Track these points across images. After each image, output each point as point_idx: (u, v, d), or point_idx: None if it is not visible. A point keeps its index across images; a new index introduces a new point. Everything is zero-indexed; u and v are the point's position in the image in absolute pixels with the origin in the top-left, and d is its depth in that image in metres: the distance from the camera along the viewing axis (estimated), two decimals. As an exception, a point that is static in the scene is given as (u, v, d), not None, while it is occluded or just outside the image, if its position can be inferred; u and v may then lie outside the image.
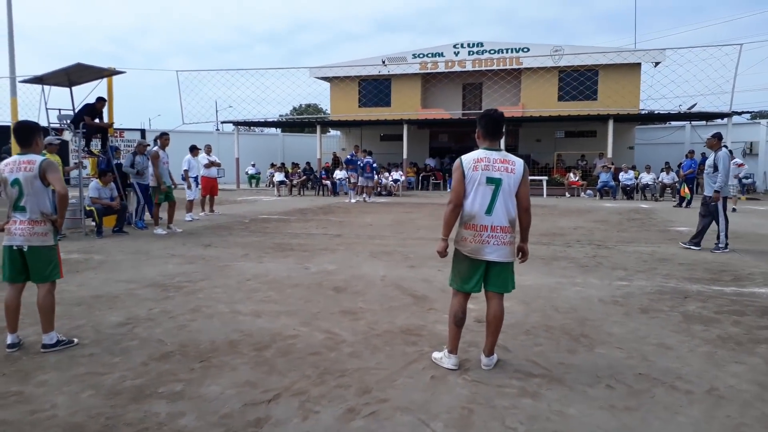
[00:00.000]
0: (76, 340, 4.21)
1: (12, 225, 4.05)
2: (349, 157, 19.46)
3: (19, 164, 4.04)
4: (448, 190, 24.56)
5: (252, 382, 3.49)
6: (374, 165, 19.71)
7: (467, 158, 3.61)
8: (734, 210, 15.13)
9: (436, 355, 3.89)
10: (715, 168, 8.18)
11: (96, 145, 11.99)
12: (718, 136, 8.43)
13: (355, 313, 5.01)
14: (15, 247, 4.03)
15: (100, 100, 11.16)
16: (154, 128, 31.74)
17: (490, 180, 3.53)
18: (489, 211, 3.56)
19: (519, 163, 3.62)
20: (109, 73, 11.69)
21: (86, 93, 12.00)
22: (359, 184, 19.10)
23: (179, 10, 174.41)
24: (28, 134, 4.13)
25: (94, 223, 9.92)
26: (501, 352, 4.03)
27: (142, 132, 22.02)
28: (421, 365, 3.77)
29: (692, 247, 8.37)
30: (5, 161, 4.15)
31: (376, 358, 3.92)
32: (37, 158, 4.07)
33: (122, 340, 4.28)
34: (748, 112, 24.71)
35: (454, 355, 3.75)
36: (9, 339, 4.06)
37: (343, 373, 3.64)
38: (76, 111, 11.04)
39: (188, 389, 3.37)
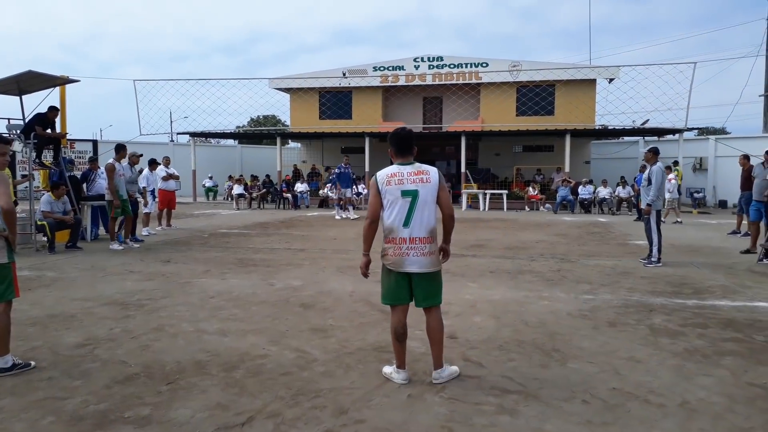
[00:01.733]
0: (33, 363, 3.99)
1: None
2: (338, 171, 17.42)
3: None
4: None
5: (223, 404, 3.36)
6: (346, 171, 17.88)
7: (381, 174, 3.69)
8: (680, 222, 15.62)
9: (386, 369, 3.87)
10: (650, 182, 8.40)
11: (47, 156, 11.55)
12: (654, 151, 8.66)
13: (325, 331, 4.92)
14: None
15: (53, 110, 10.76)
16: (106, 139, 30.90)
17: (405, 193, 3.61)
18: (406, 223, 3.63)
19: (433, 171, 3.69)
20: (61, 81, 11.32)
21: (37, 102, 11.58)
22: (347, 196, 17.47)
23: (133, 18, 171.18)
24: None
25: (45, 239, 9.52)
26: (475, 368, 4.01)
27: (94, 143, 21.23)
28: (397, 384, 3.70)
29: (656, 264, 8.41)
30: None
31: (349, 377, 3.84)
32: None
33: (82, 362, 4.07)
34: (696, 129, 25.69)
35: (402, 370, 3.76)
36: None
37: (317, 393, 3.54)
38: (27, 120, 10.61)
39: (156, 413, 3.22)
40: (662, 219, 8.69)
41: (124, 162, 10.58)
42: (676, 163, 21.49)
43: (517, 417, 3.23)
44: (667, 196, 15.58)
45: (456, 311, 5.58)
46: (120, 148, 10.43)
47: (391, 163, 3.80)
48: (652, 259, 8.36)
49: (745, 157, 12.75)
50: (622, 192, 20.56)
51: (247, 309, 5.66)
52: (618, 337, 4.75)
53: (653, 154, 8.57)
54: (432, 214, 3.67)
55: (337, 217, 16.96)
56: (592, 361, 4.16)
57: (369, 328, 4.99)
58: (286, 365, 4.05)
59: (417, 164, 3.71)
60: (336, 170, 17.72)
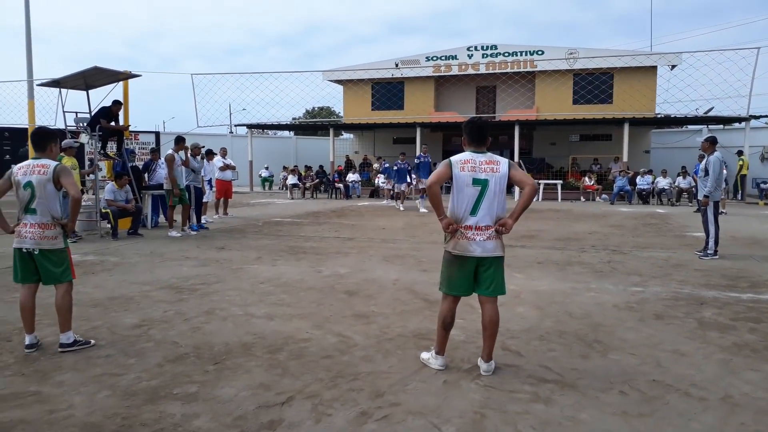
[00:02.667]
0: (93, 341, 4.27)
1: (23, 228, 4.12)
2: (418, 161, 17.38)
3: (33, 168, 4.12)
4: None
5: (265, 384, 3.51)
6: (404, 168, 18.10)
7: (455, 159, 3.72)
8: (724, 213, 14.90)
9: (424, 355, 3.95)
10: (706, 172, 8.09)
11: (112, 147, 12.13)
12: (711, 140, 8.33)
13: (368, 317, 5.03)
14: (25, 250, 4.12)
15: (116, 103, 11.28)
16: (169, 131, 32.03)
17: (476, 181, 3.64)
18: (474, 212, 3.66)
19: (504, 161, 3.73)
20: (124, 76, 11.83)
21: (102, 96, 12.19)
22: (402, 189, 17.61)
23: (193, 13, 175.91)
24: (43, 140, 4.25)
25: (109, 226, 10.03)
26: (514, 357, 4.03)
27: (157, 134, 22.17)
28: (434, 370, 3.76)
29: (712, 257, 8.12)
30: (19, 165, 4.23)
31: (388, 362, 3.93)
32: (52, 163, 4.16)
33: (137, 341, 4.33)
34: (765, 116, 24.38)
35: (441, 356, 3.83)
36: (27, 339, 4.13)
37: (355, 376, 3.65)
38: (93, 114, 11.17)
39: (202, 391, 3.41)
40: (722, 210, 8.36)
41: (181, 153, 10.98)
42: (740, 152, 20.54)
43: (551, 405, 3.24)
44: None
45: (500, 301, 5.53)
46: (179, 140, 10.84)
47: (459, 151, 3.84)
48: (709, 252, 8.08)
49: None
50: (683, 182, 19.82)
51: (295, 294, 5.84)
52: (664, 330, 4.65)
53: (710, 144, 8.26)
54: (501, 203, 3.70)
55: (401, 208, 16.83)
56: (634, 353, 4.10)
57: (410, 316, 5.06)
58: (328, 349, 4.18)
59: (489, 154, 3.76)
60: (395, 167, 17.97)
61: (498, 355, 4.00)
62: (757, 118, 22.15)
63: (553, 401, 3.29)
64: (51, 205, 4.14)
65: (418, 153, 18.03)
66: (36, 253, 4.11)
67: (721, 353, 4.09)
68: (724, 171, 15.33)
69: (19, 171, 4.15)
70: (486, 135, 3.81)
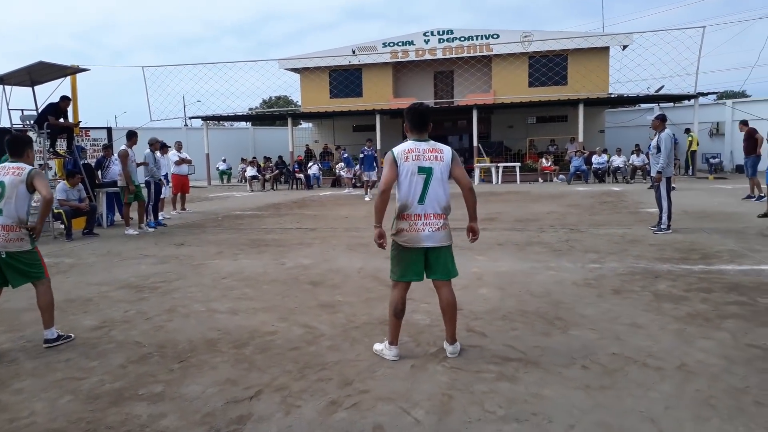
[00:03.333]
0: (72, 335, 4.33)
1: None
2: (362, 154, 17.54)
3: (8, 169, 4.17)
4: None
5: (232, 379, 3.49)
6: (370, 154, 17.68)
7: (398, 150, 3.72)
8: (673, 188, 15.40)
9: (377, 347, 3.92)
10: (658, 149, 8.34)
11: (61, 145, 11.75)
12: (661, 118, 8.60)
13: (333, 307, 5.03)
14: None
15: (65, 99, 10.92)
16: (121, 126, 31.15)
17: (421, 170, 3.65)
18: (422, 199, 3.67)
19: (447, 150, 3.75)
20: (72, 71, 11.47)
21: (49, 92, 11.73)
22: (365, 178, 17.49)
23: (143, 4, 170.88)
24: (20, 146, 4.33)
25: (62, 226, 9.75)
26: (478, 338, 4.09)
27: (109, 130, 21.49)
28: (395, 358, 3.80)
29: (666, 231, 8.38)
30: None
31: (355, 350, 3.95)
32: (27, 167, 4.22)
33: (98, 343, 4.23)
34: (713, 93, 25.21)
35: (394, 346, 3.79)
36: None
37: (323, 366, 3.66)
38: (40, 111, 10.79)
39: (168, 390, 3.36)
40: (672, 185, 8.63)
41: (138, 148, 10.74)
42: (688, 130, 21.21)
43: (516, 383, 3.31)
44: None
45: (462, 284, 5.64)
46: (131, 135, 10.57)
47: (405, 139, 3.84)
48: (662, 226, 8.34)
49: (744, 123, 12.88)
50: (637, 160, 20.39)
51: (258, 288, 5.79)
52: (621, 304, 4.80)
53: (660, 121, 8.50)
54: (445, 191, 3.72)
55: (367, 198, 16.38)
56: (593, 328, 4.22)
57: (376, 303, 5.09)
58: (294, 341, 4.17)
59: (432, 142, 3.78)
60: (361, 154, 17.69)
61: (463, 337, 4.06)
62: (705, 95, 22.89)
63: (518, 379, 3.37)
64: (19, 207, 4.14)
65: (363, 148, 17.86)
66: (3, 257, 4.06)
67: (675, 324, 4.25)
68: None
69: None
70: (427, 122, 3.79)
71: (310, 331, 4.38)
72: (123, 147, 10.32)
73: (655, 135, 8.62)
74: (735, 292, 5.00)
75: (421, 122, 3.77)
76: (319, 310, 4.92)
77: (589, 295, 5.11)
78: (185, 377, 3.54)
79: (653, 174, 8.55)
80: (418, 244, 3.68)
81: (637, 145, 21.12)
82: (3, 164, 4.18)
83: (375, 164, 17.41)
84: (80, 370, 3.72)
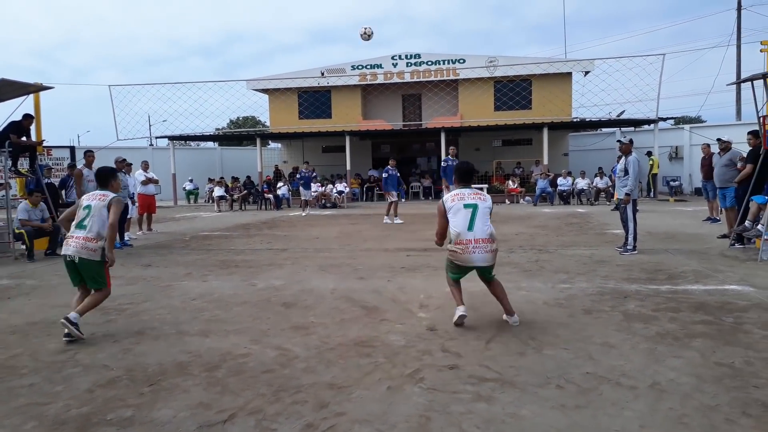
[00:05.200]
0: (84, 336, 4.73)
1: (70, 239, 4.94)
2: (299, 176, 19.38)
3: (96, 196, 5.13)
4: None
5: (205, 403, 3.40)
6: (307, 176, 19.36)
7: (447, 197, 4.85)
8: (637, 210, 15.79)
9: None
10: (626, 172, 8.56)
11: (23, 164, 11.44)
12: (630, 141, 8.86)
13: (307, 328, 4.97)
14: (68, 258, 4.90)
15: (27, 117, 10.66)
16: (83, 145, 30.58)
17: (467, 205, 4.72)
18: (470, 227, 4.67)
19: (488, 197, 4.91)
20: (35, 88, 11.19)
21: (11, 110, 11.44)
22: (303, 198, 18.98)
23: (106, 23, 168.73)
24: (106, 178, 5.33)
25: (24, 247, 9.44)
26: (454, 358, 4.09)
27: (72, 149, 21.09)
28: (377, 377, 3.77)
29: (631, 252, 8.55)
30: (91, 193, 5.26)
31: (330, 372, 3.90)
32: (110, 194, 5.16)
33: (64, 367, 4.09)
34: (672, 118, 26.07)
35: (462, 305, 4.86)
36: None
37: (298, 389, 3.60)
38: (1, 129, 10.50)
39: (139, 414, 3.26)
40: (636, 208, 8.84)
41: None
42: (649, 153, 21.86)
43: (493, 404, 3.31)
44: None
45: (437, 304, 5.68)
46: (88, 153, 10.53)
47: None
48: (628, 247, 8.52)
49: (708, 146, 13.22)
50: (600, 183, 20.88)
51: (229, 310, 5.69)
52: (593, 324, 4.87)
53: (629, 145, 8.73)
54: (488, 223, 4.76)
55: (303, 214, 17.99)
56: (567, 347, 4.27)
57: (350, 324, 5.05)
58: (268, 363, 4.10)
59: (474, 188, 4.95)
60: (298, 175, 19.25)
61: (437, 357, 4.07)
62: (664, 120, 23.67)
63: (495, 399, 3.37)
64: (100, 225, 4.98)
65: (301, 170, 19.66)
66: (76, 261, 4.88)
67: (646, 343, 4.32)
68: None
69: (89, 198, 5.14)
70: (472, 176, 5.11)
71: (283, 353, 4.32)
72: (79, 167, 10.23)
73: (620, 158, 8.84)
74: (701, 312, 5.13)
75: (468, 176, 5.04)
76: (292, 332, 4.86)
77: (561, 315, 5.18)
78: (156, 401, 3.44)
79: (621, 196, 8.73)
80: (470, 264, 4.74)
81: (600, 168, 21.65)
82: (94, 192, 5.23)
83: (310, 184, 19.30)
84: (45, 395, 3.58)
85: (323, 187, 22.79)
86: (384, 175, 15.98)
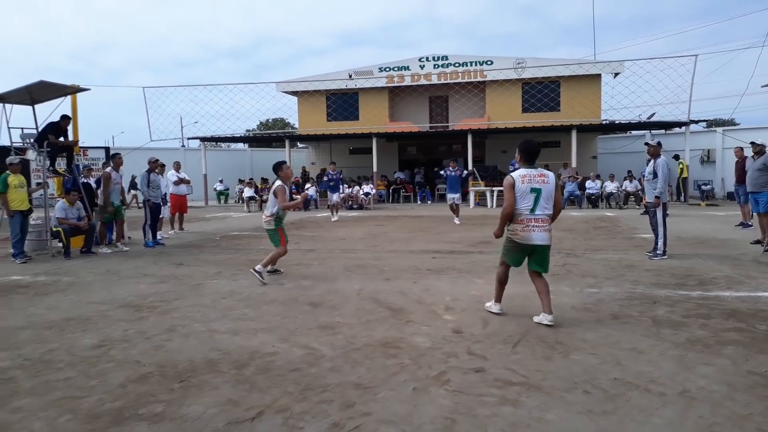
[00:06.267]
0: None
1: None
2: (329, 176, 17.60)
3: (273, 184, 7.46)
4: (419, 202, 24.36)
5: (234, 400, 3.47)
6: (336, 177, 17.62)
7: (516, 175, 4.96)
8: (667, 215, 15.49)
9: (487, 303, 5.51)
10: (655, 175, 8.43)
11: (61, 164, 11.76)
12: (658, 144, 8.72)
13: (333, 328, 5.03)
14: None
15: (65, 118, 10.96)
16: (118, 145, 31.24)
17: (533, 190, 4.90)
18: (533, 210, 4.91)
19: (550, 175, 5.00)
20: (72, 90, 11.52)
21: (49, 111, 11.79)
22: (330, 202, 17.44)
23: (140, 26, 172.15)
24: (275, 169, 7.59)
25: (61, 245, 9.71)
26: (479, 361, 4.10)
27: (107, 150, 21.66)
28: (402, 378, 3.80)
29: (662, 257, 8.44)
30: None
31: (356, 372, 3.94)
32: (277, 183, 7.35)
33: (98, 362, 4.21)
34: (704, 121, 25.57)
35: (498, 303, 5.37)
36: None
37: (324, 388, 3.65)
38: (40, 130, 10.82)
39: (169, 410, 3.34)
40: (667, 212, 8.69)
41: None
42: (676, 157, 21.44)
43: (519, 407, 3.31)
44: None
45: (462, 306, 5.68)
46: (116, 156, 10.97)
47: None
48: (658, 252, 8.39)
49: (741, 149, 12.86)
50: (629, 186, 20.54)
51: (258, 308, 5.78)
52: (621, 329, 4.82)
53: (657, 147, 8.60)
54: (550, 205, 4.97)
55: (333, 219, 16.87)
56: (594, 352, 4.24)
57: (376, 325, 5.09)
58: (295, 362, 4.16)
59: (539, 168, 5.00)
60: (325, 177, 17.83)
61: (463, 360, 4.08)
62: (696, 122, 23.20)
63: (521, 403, 3.37)
64: (272, 206, 7.39)
65: (327, 171, 17.94)
66: (265, 229, 7.58)
67: (675, 349, 4.27)
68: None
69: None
70: (537, 155, 5.07)
71: (310, 352, 4.38)
72: (108, 169, 10.54)
73: (649, 161, 8.71)
74: (733, 319, 5.03)
75: (533, 156, 5.05)
76: (319, 332, 4.92)
77: (589, 320, 5.14)
78: (186, 397, 3.53)
79: (650, 199, 8.60)
80: (530, 242, 4.93)
81: (629, 171, 21.31)
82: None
83: (339, 186, 17.86)
84: (79, 389, 3.69)
85: (350, 188, 22.87)
86: (443, 174, 15.89)
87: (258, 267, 7.10)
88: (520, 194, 4.91)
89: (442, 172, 16.34)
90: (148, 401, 3.48)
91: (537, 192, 4.89)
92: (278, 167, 7.57)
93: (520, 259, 5.11)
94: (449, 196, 15.29)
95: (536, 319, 5.03)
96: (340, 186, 17.61)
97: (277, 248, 7.40)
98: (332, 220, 16.69)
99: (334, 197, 17.31)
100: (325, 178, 17.63)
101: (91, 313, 5.71)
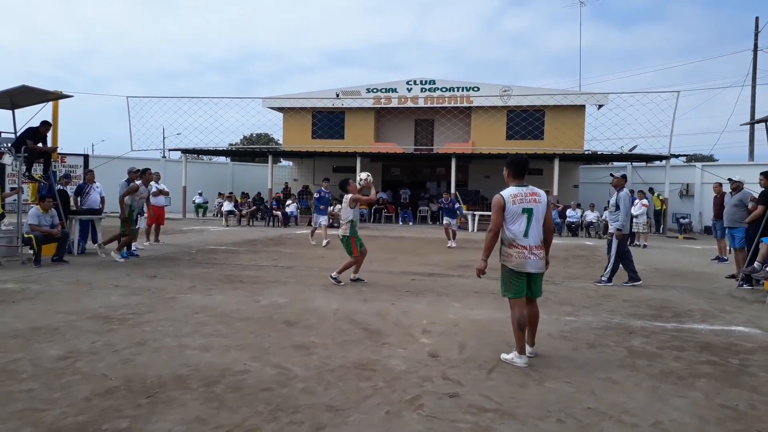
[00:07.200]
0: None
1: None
2: (320, 194, 15.55)
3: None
4: (400, 223, 24.36)
5: (202, 418, 3.38)
6: (326, 197, 15.60)
7: (507, 194, 4.59)
8: (645, 246, 15.85)
9: (505, 356, 4.70)
10: (617, 207, 8.59)
11: (37, 170, 11.57)
12: (623, 177, 8.92)
13: (308, 348, 4.95)
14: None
15: (45, 124, 10.81)
16: (98, 154, 30.88)
17: (524, 210, 4.55)
18: (526, 234, 4.56)
19: (542, 194, 4.68)
20: (55, 96, 11.39)
21: (30, 116, 11.62)
22: (316, 224, 15.30)
23: (128, 35, 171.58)
24: (342, 186, 8.64)
25: (32, 251, 9.50)
26: (454, 386, 4.05)
27: (86, 157, 21.32)
28: (376, 401, 3.74)
29: (635, 284, 8.66)
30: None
31: (329, 393, 3.87)
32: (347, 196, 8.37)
33: (63, 374, 4.08)
34: (684, 155, 26.02)
35: (524, 355, 4.61)
36: None
37: (296, 409, 3.57)
38: (18, 134, 10.65)
39: (134, 426, 3.24)
40: (637, 242, 8.85)
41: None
42: (651, 190, 21.80)
43: (492, 435, 3.27)
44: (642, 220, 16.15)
45: (439, 330, 5.64)
46: (147, 172, 11.08)
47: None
48: (603, 278, 8.68)
49: (720, 185, 13.15)
50: (591, 216, 20.85)
51: (231, 325, 5.68)
52: (596, 359, 4.81)
53: (622, 179, 8.78)
54: (542, 227, 4.63)
55: (324, 243, 14.05)
56: (569, 381, 4.22)
57: (351, 346, 5.02)
58: (267, 381, 4.07)
59: (530, 186, 4.67)
60: (316, 195, 15.70)
61: (438, 385, 4.03)
62: (676, 156, 23.61)
63: (494, 430, 3.32)
64: (342, 212, 8.39)
65: (319, 189, 15.87)
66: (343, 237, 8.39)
67: (649, 381, 4.26)
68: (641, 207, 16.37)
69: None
70: (526, 170, 4.72)
71: (283, 372, 4.29)
72: (138, 182, 10.59)
73: (614, 193, 8.87)
74: (707, 352, 5.06)
75: (521, 168, 4.71)
76: (292, 351, 4.84)
77: (565, 348, 5.12)
78: (153, 414, 3.42)
79: (612, 230, 8.82)
80: (524, 269, 4.58)
81: (592, 204, 21.62)
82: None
83: (327, 207, 15.62)
84: (42, 402, 3.57)
85: (332, 207, 22.73)
86: (316, 196, 15.50)
87: (334, 274, 8.23)
88: (510, 216, 4.55)
89: (439, 203, 16.51)
90: (113, 416, 3.37)
91: (529, 212, 4.55)
92: (345, 183, 8.69)
93: (522, 287, 4.62)
94: (446, 219, 15.51)
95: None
96: (328, 207, 15.59)
97: (350, 258, 8.30)
98: (324, 243, 14.01)
99: (322, 220, 14.95)
100: (317, 195, 15.56)
101: (59, 323, 5.56)
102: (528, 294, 4.69)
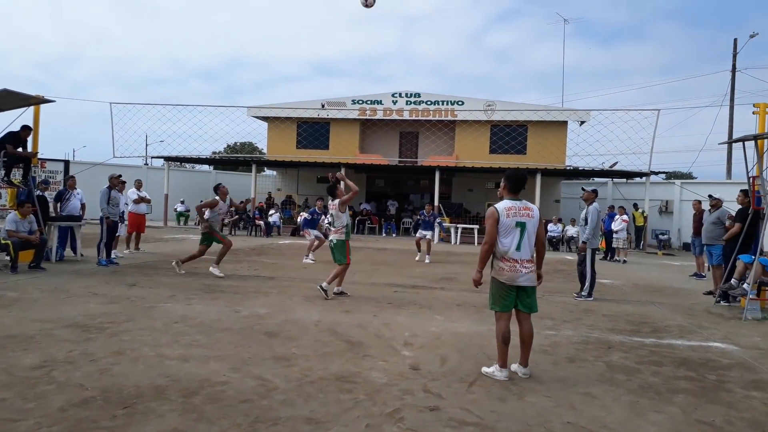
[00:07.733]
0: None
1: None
2: (312, 213, 15.05)
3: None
4: (384, 234, 24.39)
5: (180, 429, 3.33)
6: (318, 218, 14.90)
7: (501, 207, 4.65)
8: (624, 262, 16.11)
9: (486, 369, 4.70)
10: (586, 221, 8.72)
11: (16, 175, 11.39)
12: (593, 191, 9.05)
13: (288, 359, 4.91)
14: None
15: (26, 129, 10.68)
16: (78, 159, 30.53)
17: (518, 224, 4.60)
18: (519, 248, 4.60)
19: (535, 209, 4.75)
20: (36, 101, 11.26)
21: (9, 120, 11.49)
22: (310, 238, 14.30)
23: (111, 40, 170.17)
24: (331, 190, 8.33)
25: (8, 258, 9.34)
26: (435, 399, 4.05)
27: (66, 163, 21.02)
28: (356, 413, 3.72)
29: (586, 298, 8.76)
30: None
31: (309, 406, 3.84)
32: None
33: (38, 384, 4.01)
34: (664, 173, 26.45)
35: (505, 369, 4.58)
36: None
37: (275, 421, 3.54)
38: (-2, 138, 10.49)
39: (110, 438, 3.19)
40: (617, 257, 8.94)
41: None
42: (635, 206, 22.12)
43: (472, 449, 3.27)
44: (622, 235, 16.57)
45: (420, 343, 5.64)
46: (219, 186, 10.92)
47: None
48: (583, 293, 8.72)
49: (699, 202, 13.38)
50: (571, 230, 21.05)
51: (211, 335, 5.62)
52: (576, 373, 4.84)
53: (592, 193, 8.90)
54: (533, 242, 4.67)
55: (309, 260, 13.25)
56: (549, 395, 4.23)
57: (333, 358, 5.00)
58: (247, 392, 4.03)
59: (524, 201, 4.75)
60: (309, 215, 15.22)
61: (419, 398, 4.02)
62: (656, 173, 23.98)
63: (474, 444, 3.32)
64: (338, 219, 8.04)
65: (313, 209, 15.47)
66: (332, 243, 7.99)
67: (628, 395, 4.30)
68: (621, 222, 16.61)
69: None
70: (523, 186, 4.79)
71: (263, 383, 4.26)
72: (216, 197, 10.34)
73: (584, 207, 8.99)
74: (684, 367, 5.12)
75: (519, 184, 4.77)
76: (273, 362, 4.80)
77: (545, 362, 5.15)
78: (130, 425, 3.37)
79: (580, 244, 8.96)
80: (515, 283, 4.60)
81: (560, 218, 21.86)
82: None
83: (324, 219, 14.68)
84: (16, 412, 3.49)
85: (322, 219, 22.51)
86: (420, 216, 14.87)
87: (323, 284, 7.85)
88: (504, 229, 4.59)
89: (419, 216, 15.86)
90: (88, 427, 3.31)
91: (522, 226, 4.58)
92: (334, 188, 8.36)
93: (510, 302, 4.63)
94: (421, 232, 14.43)
95: (513, 367, 4.69)
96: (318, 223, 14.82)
97: (342, 265, 7.96)
98: (308, 260, 13.23)
99: (314, 233, 14.24)
100: (308, 216, 15.02)
101: (35, 331, 5.46)
102: (522, 309, 4.67)
